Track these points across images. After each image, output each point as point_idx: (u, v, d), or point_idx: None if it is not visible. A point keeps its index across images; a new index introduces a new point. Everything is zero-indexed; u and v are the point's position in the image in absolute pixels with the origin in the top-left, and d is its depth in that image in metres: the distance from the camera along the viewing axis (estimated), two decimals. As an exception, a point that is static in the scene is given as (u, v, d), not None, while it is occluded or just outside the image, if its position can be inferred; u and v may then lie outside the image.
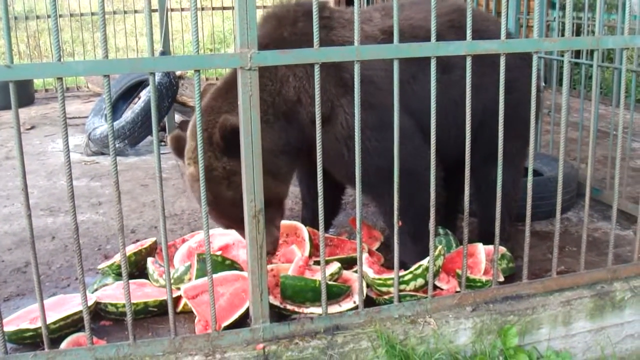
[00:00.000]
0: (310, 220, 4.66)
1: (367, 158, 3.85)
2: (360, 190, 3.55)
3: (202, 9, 12.40)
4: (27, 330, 3.53)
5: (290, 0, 4.12)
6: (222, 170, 3.79)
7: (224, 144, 3.65)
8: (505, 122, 3.63)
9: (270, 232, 3.95)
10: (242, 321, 3.64)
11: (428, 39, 3.47)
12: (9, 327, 3.50)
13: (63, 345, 3.48)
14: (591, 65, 6.22)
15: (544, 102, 5.06)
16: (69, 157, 3.08)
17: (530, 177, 3.81)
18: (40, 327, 3.31)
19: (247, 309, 3.65)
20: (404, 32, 3.91)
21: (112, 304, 3.82)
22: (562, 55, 5.76)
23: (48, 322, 3.33)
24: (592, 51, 6.04)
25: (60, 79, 3.03)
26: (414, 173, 3.89)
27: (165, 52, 7.93)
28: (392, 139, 3.54)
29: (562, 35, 6.78)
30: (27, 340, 3.55)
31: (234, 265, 4.06)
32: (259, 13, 3.60)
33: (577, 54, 7.34)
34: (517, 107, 3.98)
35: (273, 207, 3.88)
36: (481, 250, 4.17)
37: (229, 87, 3.86)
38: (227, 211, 3.88)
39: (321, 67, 3.34)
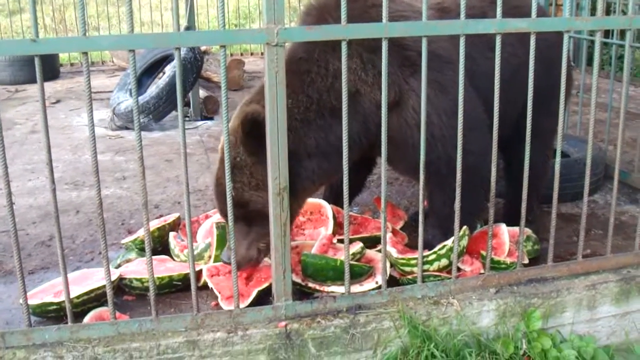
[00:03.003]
0: (333, 199, 4.63)
1: (438, 147, 3.81)
2: (424, 180, 3.55)
3: (228, -16, 12.34)
4: (51, 303, 3.55)
5: None
6: (232, 159, 3.63)
7: (243, 133, 3.57)
8: (544, 100, 3.59)
9: (241, 249, 3.71)
10: (260, 302, 3.65)
11: (474, 16, 3.42)
12: (33, 301, 3.52)
13: (86, 319, 3.49)
14: (621, 46, 6.14)
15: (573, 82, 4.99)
16: (93, 131, 3.07)
17: (558, 159, 3.76)
18: (64, 301, 3.33)
19: (265, 289, 3.69)
20: (451, 9, 3.84)
21: (137, 279, 3.83)
22: (592, 35, 5.68)
23: (72, 296, 3.35)
24: (622, 31, 5.95)
25: (85, 53, 3.02)
26: (481, 168, 3.80)
27: (190, 27, 7.91)
28: (469, 127, 3.52)
29: (592, 14, 6.68)
30: (51, 313, 3.58)
31: None
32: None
33: (606, 33, 7.23)
34: (556, 85, 3.92)
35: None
36: (504, 231, 4.14)
37: (261, 91, 3.77)
38: (218, 197, 3.78)
39: (381, 50, 3.31)
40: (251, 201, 3.64)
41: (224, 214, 3.77)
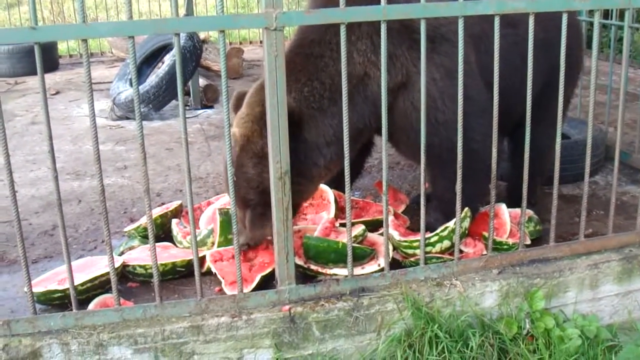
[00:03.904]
0: (334, 185, 4.62)
1: (441, 131, 3.79)
2: (424, 164, 3.55)
3: (226, -28, 12.31)
4: (56, 291, 3.57)
5: None
6: (259, 148, 3.66)
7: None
8: (558, 82, 3.61)
9: (258, 228, 3.78)
10: (263, 288, 3.65)
11: None
12: (37, 289, 3.54)
13: (91, 306, 3.51)
14: (620, 27, 6.12)
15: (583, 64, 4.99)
16: (94, 119, 3.08)
17: (558, 140, 3.77)
18: (68, 289, 3.35)
19: (268, 274, 3.70)
20: None
21: (140, 266, 3.84)
22: (591, 16, 5.67)
23: (76, 283, 3.37)
24: (621, 13, 5.94)
25: (85, 41, 3.02)
26: (483, 153, 3.78)
27: (189, 15, 7.89)
28: (474, 113, 3.53)
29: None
30: (56, 301, 3.59)
31: None
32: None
33: (605, 15, 7.21)
34: (571, 66, 3.91)
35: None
36: (505, 211, 4.14)
37: (290, 69, 3.66)
38: (238, 184, 3.74)
39: (391, 31, 3.31)
40: None
41: (245, 199, 3.75)
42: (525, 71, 3.59)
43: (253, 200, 3.73)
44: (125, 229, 4.41)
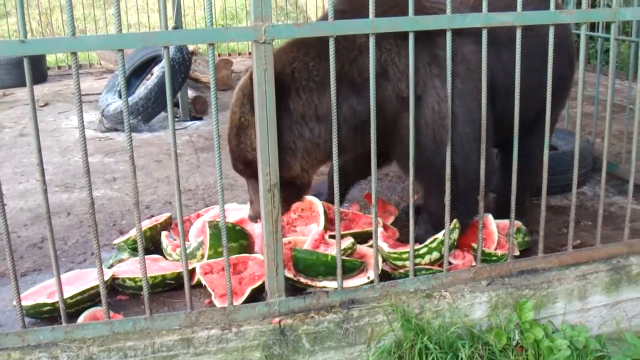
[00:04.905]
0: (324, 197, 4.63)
1: (443, 150, 3.77)
2: (414, 177, 3.58)
3: (214, -16, 12.31)
4: (45, 304, 3.55)
5: None
6: (237, 117, 3.73)
7: (252, 88, 3.55)
8: (554, 93, 3.66)
9: (257, 201, 3.75)
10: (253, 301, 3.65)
11: (500, 9, 3.47)
12: (26, 302, 3.52)
13: (80, 319, 3.50)
14: (607, 39, 6.18)
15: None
16: (83, 132, 3.08)
17: (546, 151, 3.79)
18: (57, 302, 3.34)
19: (258, 287, 3.69)
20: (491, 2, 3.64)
21: (130, 279, 3.83)
22: (578, 28, 5.71)
23: (65, 296, 3.36)
24: (607, 25, 5.99)
25: (74, 53, 3.03)
26: (477, 177, 3.73)
27: (177, 27, 7.90)
28: (477, 137, 3.57)
29: (578, 7, 6.72)
30: (45, 314, 3.57)
31: (242, 231, 4.08)
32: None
33: (592, 27, 7.26)
34: (564, 79, 3.94)
35: (289, 187, 3.79)
36: (492, 221, 4.15)
37: (302, 43, 3.72)
38: (230, 152, 3.85)
39: (414, 42, 3.34)
40: (254, 161, 3.60)
41: (236, 169, 3.90)
42: (530, 83, 3.62)
43: (242, 171, 3.83)
44: (115, 242, 4.39)
